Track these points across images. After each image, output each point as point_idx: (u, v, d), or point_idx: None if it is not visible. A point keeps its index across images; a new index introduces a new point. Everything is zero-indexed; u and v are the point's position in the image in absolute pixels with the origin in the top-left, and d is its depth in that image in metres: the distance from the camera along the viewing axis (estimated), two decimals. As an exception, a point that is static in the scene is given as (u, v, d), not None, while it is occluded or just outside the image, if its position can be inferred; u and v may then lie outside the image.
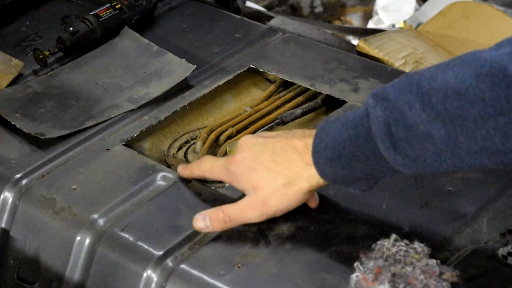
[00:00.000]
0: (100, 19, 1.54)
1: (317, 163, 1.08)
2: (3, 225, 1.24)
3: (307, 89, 1.44)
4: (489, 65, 0.93)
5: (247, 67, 1.49)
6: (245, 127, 1.38)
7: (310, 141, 1.09)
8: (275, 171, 1.11)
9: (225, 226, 1.13)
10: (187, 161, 1.33)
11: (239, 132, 1.37)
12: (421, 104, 0.97)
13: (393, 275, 1.01)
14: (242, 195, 1.16)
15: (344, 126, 1.06)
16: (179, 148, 1.36)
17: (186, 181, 1.24)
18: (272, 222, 1.16)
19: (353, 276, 1.03)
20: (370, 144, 1.02)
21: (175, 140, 1.38)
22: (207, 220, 1.13)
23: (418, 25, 1.93)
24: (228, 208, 1.13)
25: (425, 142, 0.98)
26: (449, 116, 0.95)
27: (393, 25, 2.15)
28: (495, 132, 0.93)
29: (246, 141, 1.16)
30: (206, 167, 1.19)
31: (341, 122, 1.06)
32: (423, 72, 0.99)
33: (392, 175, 1.06)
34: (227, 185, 1.23)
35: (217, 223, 1.13)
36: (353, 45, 1.76)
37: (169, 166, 1.31)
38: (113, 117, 1.38)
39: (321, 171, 1.09)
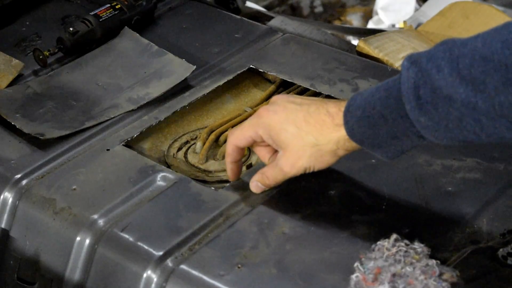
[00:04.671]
0: (100, 20, 1.54)
1: (346, 122, 1.10)
2: (3, 225, 1.24)
3: (307, 90, 1.44)
4: None
5: (247, 67, 1.49)
6: (245, 127, 1.38)
7: (343, 107, 1.11)
8: (305, 131, 1.13)
9: (270, 186, 1.20)
10: (187, 161, 1.33)
11: (239, 132, 1.37)
12: (449, 69, 0.99)
13: (393, 275, 1.01)
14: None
15: (378, 88, 1.08)
16: (179, 149, 1.36)
17: (186, 181, 1.24)
18: (272, 222, 1.16)
19: (353, 276, 1.03)
20: (398, 104, 1.04)
21: (175, 141, 1.38)
22: (260, 185, 1.20)
23: (418, 25, 1.93)
24: (268, 173, 1.18)
25: (448, 106, 1.00)
26: (471, 81, 0.97)
27: (393, 25, 2.15)
28: None
29: (281, 97, 1.19)
30: (233, 135, 1.20)
31: (376, 85, 1.09)
32: (456, 39, 1.01)
33: (416, 144, 1.07)
34: (227, 185, 1.24)
35: (266, 187, 1.20)
36: (353, 45, 1.75)
37: (169, 166, 1.31)
38: (113, 117, 1.38)
39: (349, 131, 1.10)
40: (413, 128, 1.04)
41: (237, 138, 1.19)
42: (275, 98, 1.19)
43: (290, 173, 1.16)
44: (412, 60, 1.03)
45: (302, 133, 1.13)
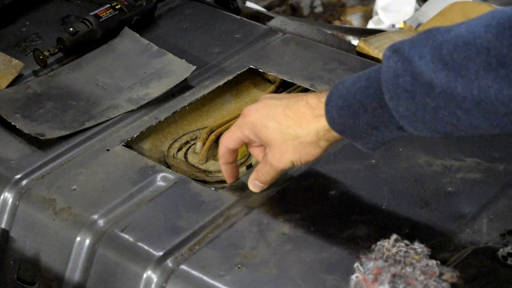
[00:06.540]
0: (100, 20, 1.54)
1: (327, 111, 1.09)
2: (3, 226, 1.24)
3: (307, 90, 1.44)
4: (500, 16, 0.95)
5: (247, 68, 1.49)
6: (245, 128, 1.38)
7: (323, 97, 1.11)
8: (285, 125, 1.13)
9: (267, 182, 1.21)
10: (187, 162, 1.33)
11: (239, 132, 1.36)
12: (431, 56, 0.98)
13: (393, 275, 1.01)
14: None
15: (359, 77, 1.08)
16: (179, 149, 1.36)
17: (186, 181, 1.24)
18: (272, 222, 1.16)
19: (353, 276, 1.03)
20: (378, 94, 1.04)
21: (175, 141, 1.38)
22: (257, 183, 1.21)
23: (418, 25, 1.93)
24: (261, 170, 1.19)
25: (426, 95, 0.99)
26: (453, 66, 0.97)
27: (393, 25, 2.15)
28: (492, 84, 0.94)
29: (265, 95, 1.20)
30: (224, 137, 1.21)
31: (358, 74, 1.08)
32: (441, 26, 1.01)
33: (396, 136, 1.07)
34: (227, 185, 1.24)
35: (263, 184, 1.21)
36: (353, 45, 1.75)
37: (169, 166, 1.31)
38: (113, 117, 1.38)
39: (330, 120, 1.09)
40: (393, 118, 1.04)
41: (226, 139, 1.20)
42: (261, 97, 1.20)
43: (279, 167, 1.16)
44: (394, 48, 1.02)
45: (282, 127, 1.13)
